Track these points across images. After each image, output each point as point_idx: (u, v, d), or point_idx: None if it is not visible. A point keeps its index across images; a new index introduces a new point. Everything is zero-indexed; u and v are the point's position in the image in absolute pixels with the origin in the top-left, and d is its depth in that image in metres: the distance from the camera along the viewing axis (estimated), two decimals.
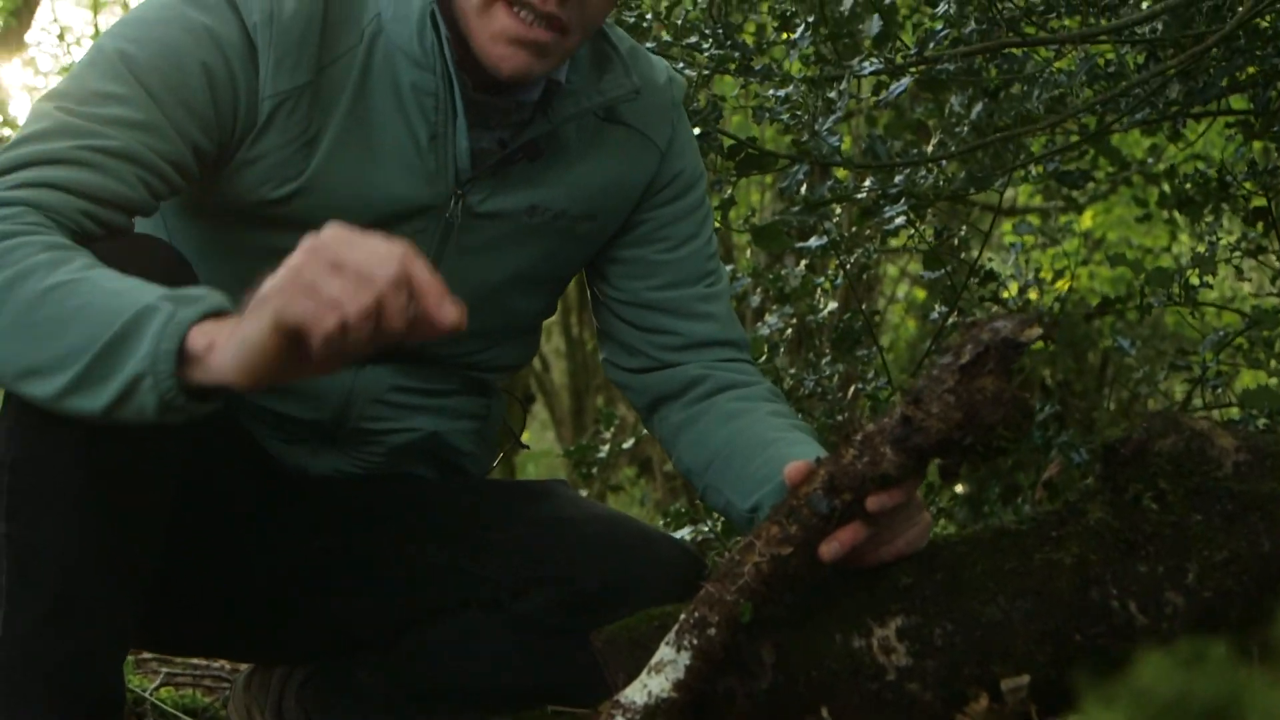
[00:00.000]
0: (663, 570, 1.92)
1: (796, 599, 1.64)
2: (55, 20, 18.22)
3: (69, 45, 21.25)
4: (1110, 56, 2.93)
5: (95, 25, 18.01)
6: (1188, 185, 3.27)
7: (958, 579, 1.62)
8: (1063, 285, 5.10)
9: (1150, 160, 5.52)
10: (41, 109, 1.68)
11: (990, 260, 3.49)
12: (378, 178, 1.84)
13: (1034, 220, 8.71)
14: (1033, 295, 3.52)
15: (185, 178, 1.74)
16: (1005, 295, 3.34)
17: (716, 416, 2.02)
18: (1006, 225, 8.86)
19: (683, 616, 1.51)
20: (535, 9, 1.72)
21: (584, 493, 4.45)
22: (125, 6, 17.54)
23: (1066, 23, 2.95)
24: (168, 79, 1.70)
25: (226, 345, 1.38)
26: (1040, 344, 1.56)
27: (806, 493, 1.55)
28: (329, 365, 1.41)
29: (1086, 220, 8.78)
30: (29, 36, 12.38)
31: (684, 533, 3.21)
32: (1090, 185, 6.59)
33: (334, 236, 1.37)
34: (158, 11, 1.76)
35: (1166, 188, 5.19)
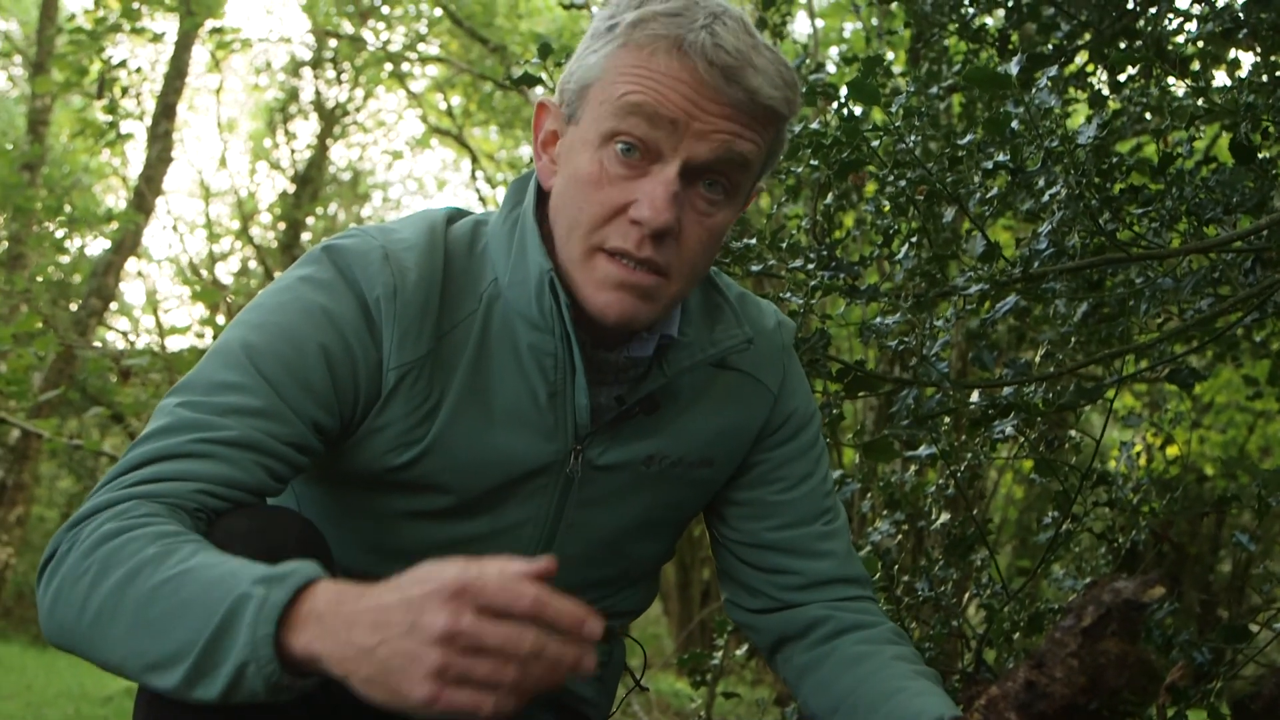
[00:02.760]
0: None
1: None
2: (169, 212, 18.90)
3: (181, 236, 21.92)
4: (1214, 263, 2.94)
5: (207, 215, 18.62)
6: None
7: None
8: (1175, 470, 5.05)
9: (1255, 341, 5.49)
10: (163, 406, 1.75)
11: (1104, 463, 3.47)
12: (498, 440, 1.87)
13: (1140, 388, 8.66)
14: (1146, 489, 3.49)
15: (308, 455, 1.78)
16: (1124, 481, 3.32)
17: (840, 661, 2.02)
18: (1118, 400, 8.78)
19: None
20: (633, 256, 1.77)
21: (697, 699, 4.42)
22: (239, 198, 18.07)
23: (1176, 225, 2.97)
24: (286, 363, 1.75)
25: (360, 666, 1.39)
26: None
27: None
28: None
29: (1196, 386, 8.69)
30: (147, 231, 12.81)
31: None
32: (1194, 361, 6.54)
33: (460, 614, 1.37)
34: (276, 296, 1.83)
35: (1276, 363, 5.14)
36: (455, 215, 1.99)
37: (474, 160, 17.24)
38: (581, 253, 1.80)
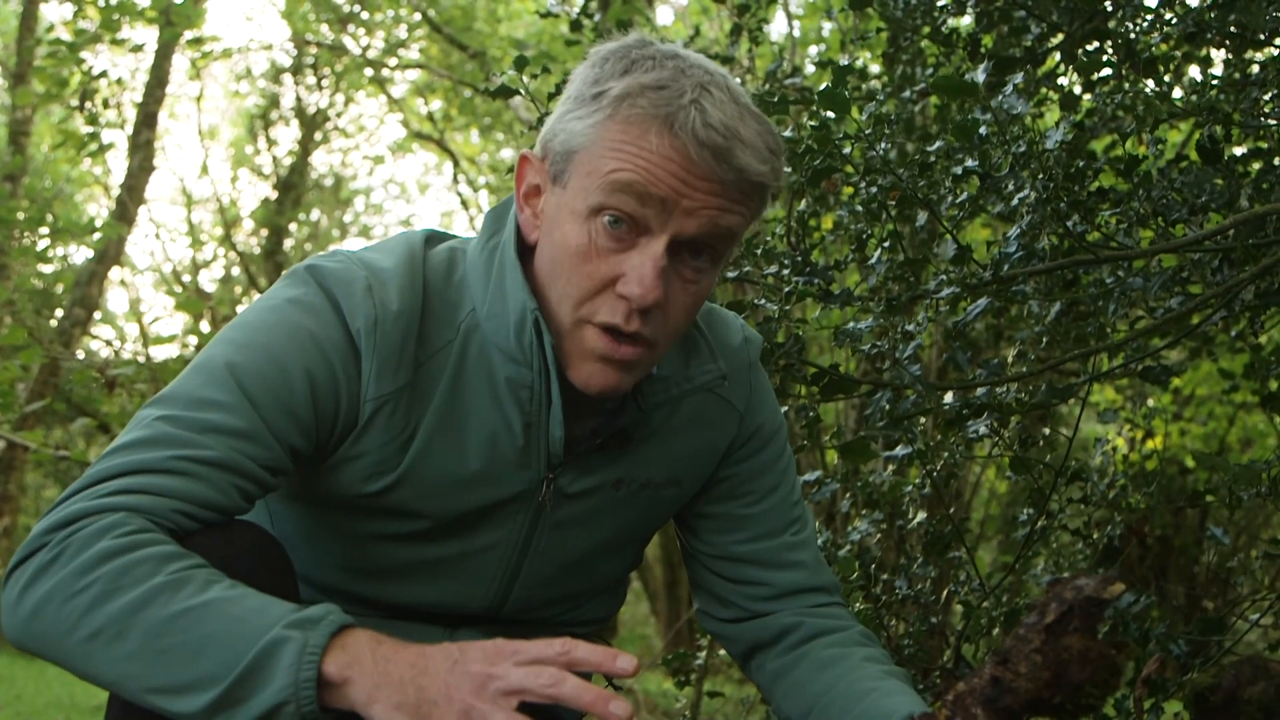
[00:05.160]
0: None
1: None
2: (151, 220, 18.91)
3: (164, 243, 21.89)
4: (1182, 262, 2.99)
5: (189, 222, 18.61)
6: (1271, 380, 3.30)
7: None
8: (1152, 464, 5.09)
9: (1231, 335, 5.53)
10: (142, 417, 1.76)
11: (1080, 460, 3.51)
12: (471, 469, 1.90)
13: (1121, 383, 8.71)
14: (1121, 484, 3.54)
15: (280, 477, 1.81)
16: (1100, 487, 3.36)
17: (812, 665, 2.06)
18: (1096, 393, 8.84)
19: None
20: (621, 330, 1.79)
21: (682, 699, 4.47)
22: (221, 205, 18.08)
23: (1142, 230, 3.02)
24: (270, 386, 1.77)
25: (393, 694, 1.54)
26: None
27: None
28: None
29: (1175, 380, 8.73)
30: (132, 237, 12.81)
31: None
32: (1171, 357, 6.59)
33: (497, 662, 1.54)
34: (262, 316, 1.84)
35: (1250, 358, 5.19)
36: (434, 238, 2.01)
37: (455, 164, 17.29)
38: (569, 324, 1.82)
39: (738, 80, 1.85)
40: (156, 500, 1.68)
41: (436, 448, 1.88)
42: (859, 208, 2.98)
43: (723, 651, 3.91)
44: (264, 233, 18.89)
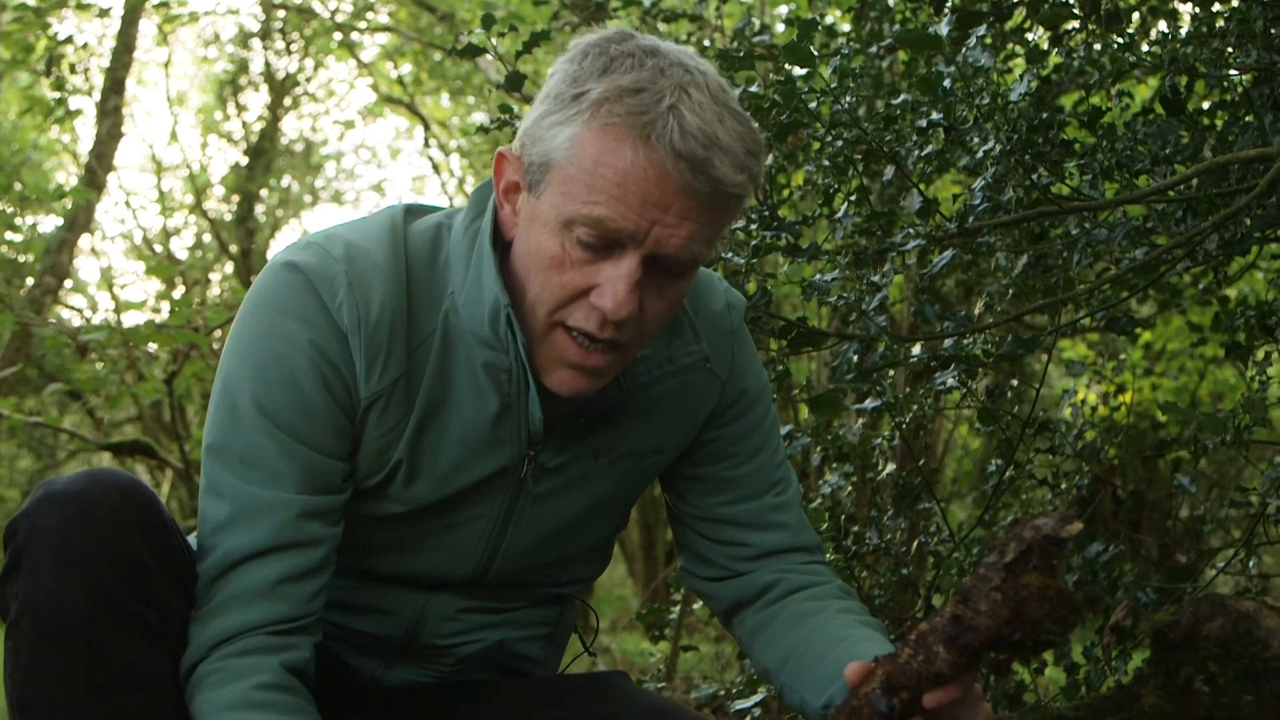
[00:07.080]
0: None
1: None
2: (121, 187, 18.76)
3: (135, 211, 21.72)
4: (1146, 213, 3.02)
5: (159, 189, 18.51)
6: (1238, 331, 3.32)
7: None
8: (1121, 416, 5.13)
9: (1199, 288, 5.57)
10: (218, 479, 1.85)
11: (1048, 411, 3.54)
12: (454, 454, 1.93)
13: (1093, 338, 8.76)
14: (1089, 435, 3.57)
15: (348, 482, 1.90)
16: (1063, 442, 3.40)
17: (789, 617, 2.09)
18: (1068, 349, 8.89)
19: None
20: (593, 337, 1.80)
21: (657, 653, 4.51)
22: (191, 172, 17.99)
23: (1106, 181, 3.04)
24: (302, 412, 1.84)
25: None
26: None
27: (866, 692, 1.62)
28: None
29: (1146, 334, 8.79)
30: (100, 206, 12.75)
31: (756, 698, 3.26)
32: (1141, 311, 6.64)
33: None
34: (265, 340, 1.85)
35: (1218, 310, 5.23)
36: (414, 211, 2.00)
37: (426, 128, 17.20)
38: (543, 328, 1.84)
39: (715, 73, 1.80)
40: (284, 605, 1.83)
41: (423, 436, 1.91)
42: (826, 162, 2.99)
43: (697, 605, 3.95)
44: (235, 199, 18.78)
